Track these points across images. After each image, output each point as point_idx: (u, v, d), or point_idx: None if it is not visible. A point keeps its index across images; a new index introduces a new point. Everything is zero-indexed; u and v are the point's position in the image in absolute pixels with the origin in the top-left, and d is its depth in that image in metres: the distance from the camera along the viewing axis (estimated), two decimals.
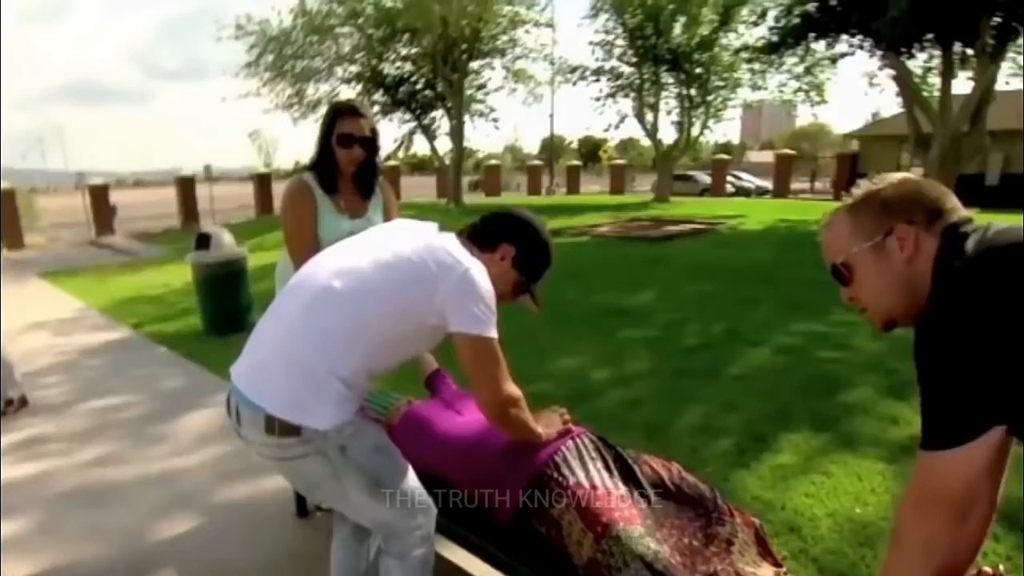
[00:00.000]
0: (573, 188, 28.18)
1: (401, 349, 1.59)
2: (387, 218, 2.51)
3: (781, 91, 18.44)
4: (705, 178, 27.49)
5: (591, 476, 1.66)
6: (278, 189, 17.94)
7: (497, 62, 19.04)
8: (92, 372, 5.08)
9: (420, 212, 16.90)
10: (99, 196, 16.94)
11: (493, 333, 1.51)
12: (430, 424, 1.99)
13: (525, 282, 1.71)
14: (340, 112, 2.31)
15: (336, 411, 1.45)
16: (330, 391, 1.44)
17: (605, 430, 3.48)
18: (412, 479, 1.63)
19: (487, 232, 1.66)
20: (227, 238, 6.08)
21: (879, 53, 12.68)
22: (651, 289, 6.89)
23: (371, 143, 2.35)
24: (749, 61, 17.42)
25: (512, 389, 1.58)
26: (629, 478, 1.71)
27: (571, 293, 6.70)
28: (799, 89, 17.76)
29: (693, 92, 18.89)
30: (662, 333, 5.31)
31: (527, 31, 18.46)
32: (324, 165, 2.34)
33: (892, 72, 12.67)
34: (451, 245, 1.54)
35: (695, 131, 19.85)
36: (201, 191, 18.43)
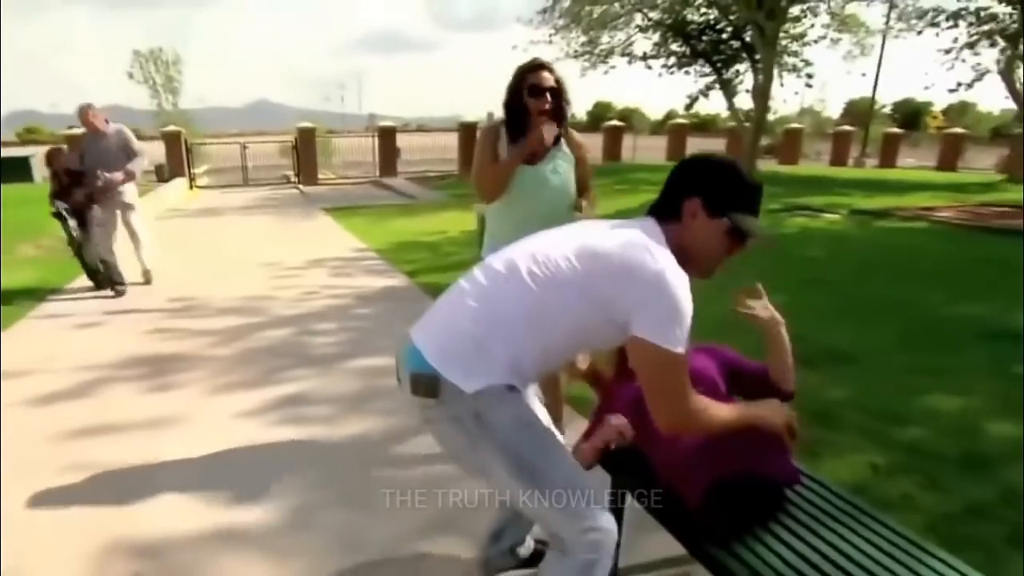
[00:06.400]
0: (887, 160, 23.95)
1: (584, 341, 1.55)
2: (578, 172, 2.69)
3: None
4: None
5: None
6: None
7: (822, 6, 16.38)
8: (365, 323, 4.95)
9: None
10: (387, 138, 17.93)
11: (678, 348, 1.36)
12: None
13: (737, 226, 1.47)
14: (529, 68, 2.59)
15: (483, 378, 1.40)
16: (487, 359, 1.41)
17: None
18: (570, 471, 1.50)
19: (666, 201, 1.52)
20: None
21: None
22: None
23: (557, 92, 2.58)
24: None
25: (692, 407, 1.46)
26: None
27: (931, 298, 5.17)
28: None
29: None
30: None
31: None
32: (512, 113, 2.59)
33: None
34: (650, 241, 1.42)
35: None
36: None
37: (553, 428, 1.65)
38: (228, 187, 16.82)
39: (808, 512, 1.73)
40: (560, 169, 2.63)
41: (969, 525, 2.33)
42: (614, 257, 1.40)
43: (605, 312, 1.40)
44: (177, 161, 16.40)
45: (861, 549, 1.57)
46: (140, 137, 6.07)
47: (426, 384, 1.42)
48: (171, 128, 16.97)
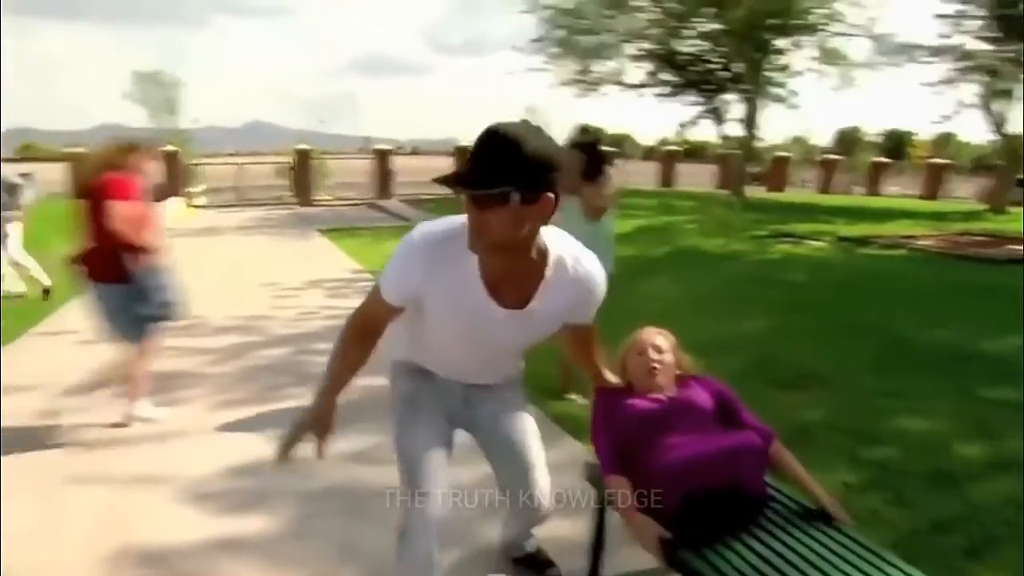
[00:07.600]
0: (873, 188, 24.47)
1: (439, 322, 1.68)
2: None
3: None
4: None
5: None
6: None
7: (808, 40, 16.83)
8: None
9: (699, 203, 15.80)
10: (383, 160, 18.22)
11: (383, 290, 1.63)
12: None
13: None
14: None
15: (396, 352, 1.93)
16: (401, 340, 1.88)
17: (994, 540, 2.45)
18: (413, 452, 1.81)
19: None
20: None
21: None
22: (1017, 332, 5.19)
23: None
24: None
25: (352, 321, 1.73)
26: None
27: (902, 323, 5.34)
28: None
29: None
30: None
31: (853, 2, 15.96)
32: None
33: None
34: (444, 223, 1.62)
35: None
36: None
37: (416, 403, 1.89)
38: (225, 207, 16.94)
39: (776, 523, 1.84)
40: None
41: (933, 539, 2.44)
42: None
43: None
44: (174, 181, 16.58)
45: (823, 556, 1.68)
46: None
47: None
48: (169, 148, 17.16)
